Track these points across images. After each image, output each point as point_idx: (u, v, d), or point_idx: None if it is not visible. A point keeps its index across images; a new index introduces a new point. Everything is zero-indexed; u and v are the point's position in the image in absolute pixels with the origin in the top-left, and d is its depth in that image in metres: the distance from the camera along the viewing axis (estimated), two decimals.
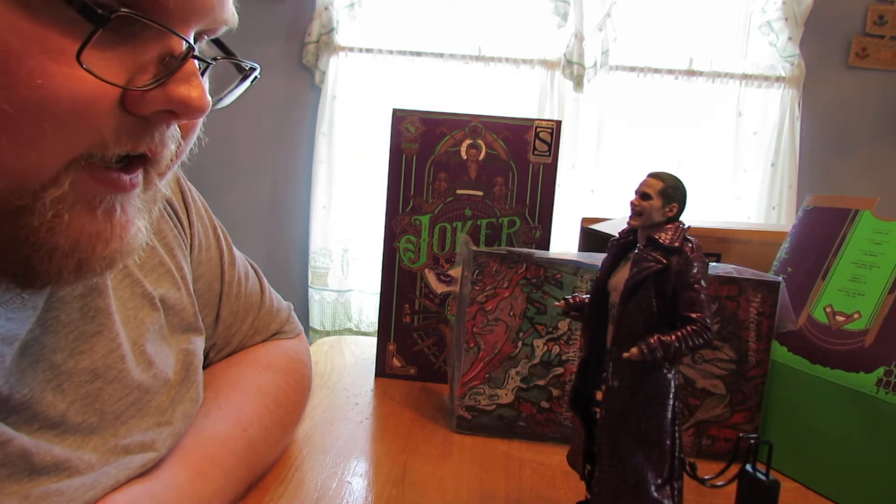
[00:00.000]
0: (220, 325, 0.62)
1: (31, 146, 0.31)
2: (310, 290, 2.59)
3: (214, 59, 0.39)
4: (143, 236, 0.38)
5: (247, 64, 0.41)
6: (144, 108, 0.34)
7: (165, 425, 0.48)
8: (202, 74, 0.36)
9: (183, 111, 0.34)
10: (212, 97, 0.37)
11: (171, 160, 0.38)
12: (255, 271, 0.69)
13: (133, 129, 0.34)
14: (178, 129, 0.37)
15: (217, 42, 0.41)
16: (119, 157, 0.34)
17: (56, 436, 0.40)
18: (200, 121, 0.40)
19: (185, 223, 0.57)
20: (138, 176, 0.36)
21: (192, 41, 0.35)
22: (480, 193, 0.84)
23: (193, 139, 0.40)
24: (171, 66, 0.34)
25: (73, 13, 0.30)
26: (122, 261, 0.37)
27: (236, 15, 0.39)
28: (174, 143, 0.37)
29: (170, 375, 0.50)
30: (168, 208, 0.55)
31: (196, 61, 0.35)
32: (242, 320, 0.65)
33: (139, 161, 0.36)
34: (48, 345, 0.40)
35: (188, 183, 0.59)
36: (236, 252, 0.66)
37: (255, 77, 0.41)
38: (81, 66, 0.30)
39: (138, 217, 0.37)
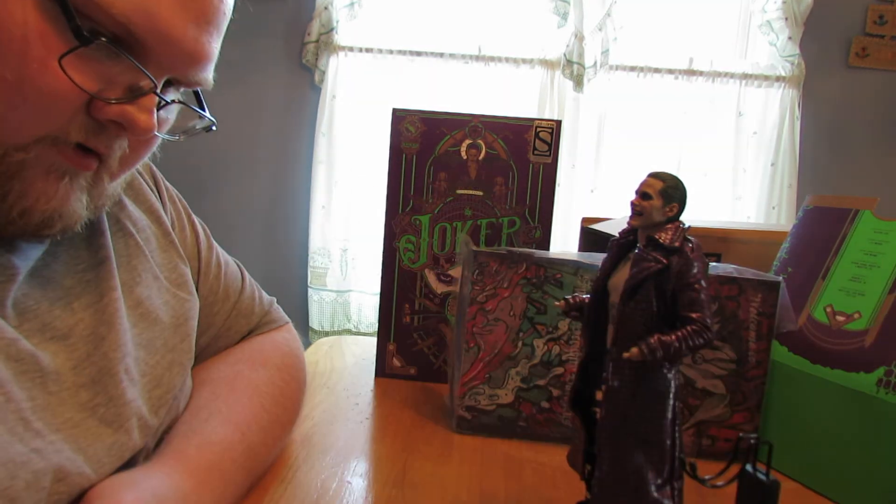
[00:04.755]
0: (199, 303, 0.63)
1: (14, 111, 0.39)
2: (309, 290, 2.59)
3: (174, 101, 0.48)
4: (83, 208, 0.45)
5: (207, 118, 0.51)
6: (102, 115, 0.42)
7: (158, 366, 0.52)
8: (162, 108, 0.46)
9: (130, 129, 0.43)
10: (176, 130, 0.50)
11: (120, 168, 0.47)
12: (238, 266, 0.72)
13: (90, 128, 0.42)
14: (125, 143, 0.46)
15: (195, 93, 0.51)
16: (78, 143, 0.42)
17: (66, 346, 0.46)
18: (152, 144, 0.49)
19: (159, 201, 0.62)
20: (92, 163, 0.44)
21: (159, 83, 0.44)
22: (480, 193, 0.84)
23: (143, 157, 0.49)
24: (135, 93, 0.43)
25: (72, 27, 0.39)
26: (62, 222, 0.44)
27: (211, 81, 0.48)
28: (120, 151, 0.45)
29: (161, 316, 0.54)
30: (149, 182, 0.61)
31: (156, 97, 0.44)
32: (224, 301, 0.66)
33: (95, 155, 0.44)
34: (58, 270, 0.48)
35: (160, 174, 0.64)
36: (217, 246, 0.69)
37: (212, 129, 0.52)
38: (60, 68, 0.39)
39: (81, 192, 0.45)
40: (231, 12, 0.48)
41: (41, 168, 0.42)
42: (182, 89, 0.49)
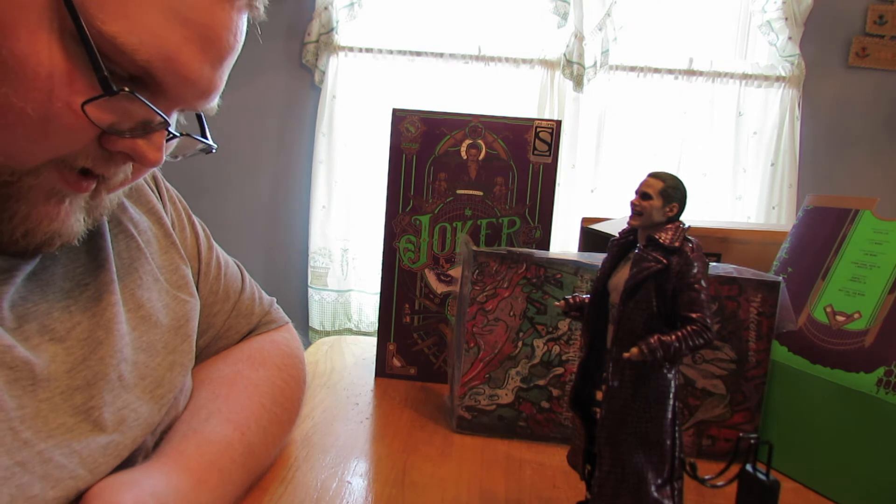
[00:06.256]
0: (200, 304, 0.63)
1: (32, 143, 0.41)
2: (309, 290, 2.59)
3: (181, 133, 0.50)
4: (80, 225, 0.47)
5: (209, 143, 0.53)
6: (113, 147, 0.44)
7: (159, 367, 0.53)
8: (171, 140, 0.48)
9: (139, 161, 0.45)
10: (177, 152, 0.52)
11: (119, 185, 0.49)
12: (238, 266, 0.72)
13: (98, 156, 0.44)
14: (129, 168, 0.47)
15: (198, 116, 0.53)
16: (82, 168, 0.44)
17: (63, 349, 0.46)
18: (154, 167, 0.50)
19: (160, 202, 0.63)
20: (91, 184, 0.46)
21: (170, 117, 0.46)
22: (480, 193, 0.84)
23: (142, 177, 0.51)
24: (147, 129, 0.44)
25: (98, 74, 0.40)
26: (61, 240, 0.46)
27: (216, 107, 0.50)
28: (123, 175, 0.47)
29: (161, 319, 0.55)
30: (150, 182, 0.61)
31: (166, 132, 0.46)
32: (224, 301, 0.67)
33: (96, 175, 0.46)
34: (57, 273, 0.49)
35: (161, 175, 0.65)
36: (217, 247, 0.69)
37: (211, 151, 0.54)
38: (83, 113, 0.41)
39: (80, 212, 0.47)
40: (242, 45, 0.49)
41: (44, 191, 0.43)
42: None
